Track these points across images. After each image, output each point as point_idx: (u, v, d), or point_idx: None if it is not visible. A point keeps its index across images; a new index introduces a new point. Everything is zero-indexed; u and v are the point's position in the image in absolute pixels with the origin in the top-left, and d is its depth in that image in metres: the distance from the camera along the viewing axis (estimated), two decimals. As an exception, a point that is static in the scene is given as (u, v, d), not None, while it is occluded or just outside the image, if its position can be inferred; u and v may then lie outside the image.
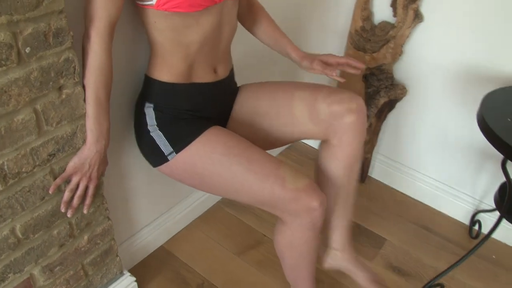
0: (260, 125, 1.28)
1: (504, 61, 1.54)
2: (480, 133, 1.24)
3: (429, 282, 1.56)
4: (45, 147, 0.98)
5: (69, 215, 1.09)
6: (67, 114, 0.98)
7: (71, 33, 0.91)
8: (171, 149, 1.12)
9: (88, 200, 1.11)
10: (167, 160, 1.14)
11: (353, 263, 1.41)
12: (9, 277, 1.06)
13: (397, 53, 1.73)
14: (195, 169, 1.12)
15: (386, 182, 2.07)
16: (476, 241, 1.64)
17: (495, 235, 1.82)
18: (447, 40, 1.64)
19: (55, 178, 1.03)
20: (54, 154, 1.00)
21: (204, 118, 1.19)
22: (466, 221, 1.88)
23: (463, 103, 1.69)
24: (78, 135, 1.03)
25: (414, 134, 1.89)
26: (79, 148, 1.04)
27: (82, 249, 1.22)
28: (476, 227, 1.83)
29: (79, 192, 1.07)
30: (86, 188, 1.09)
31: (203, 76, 1.18)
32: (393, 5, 1.67)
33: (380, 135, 1.96)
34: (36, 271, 1.12)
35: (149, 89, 1.17)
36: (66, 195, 1.06)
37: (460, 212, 1.89)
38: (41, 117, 0.94)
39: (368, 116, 1.81)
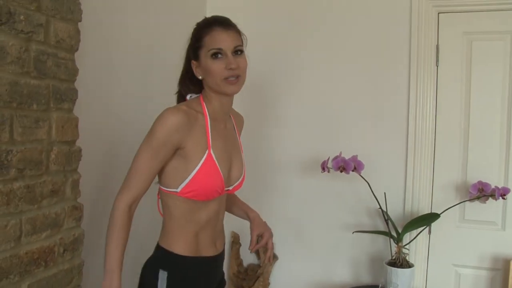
0: None
1: (333, 274, 2.34)
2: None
3: None
4: None
5: None
6: None
7: None
8: None
9: None
10: None
11: None
12: None
13: (266, 285, 2.39)
14: None
15: None
16: None
17: None
18: (296, 269, 2.39)
19: None
20: None
21: None
22: None
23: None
24: None
25: None
26: None
27: None
28: None
29: None
30: None
31: (207, 249, 1.44)
32: (256, 251, 2.40)
33: None
34: None
35: (164, 259, 1.39)
36: None
37: None
38: None
39: None
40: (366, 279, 2.31)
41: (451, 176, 2.21)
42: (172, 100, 1.51)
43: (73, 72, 1.27)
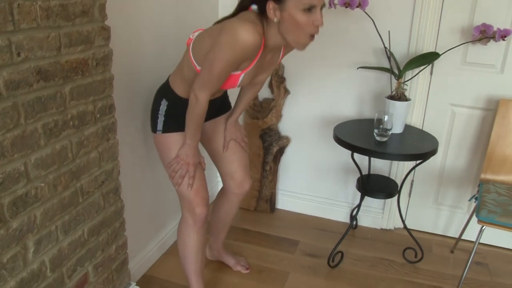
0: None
1: (339, 109, 2.58)
2: (340, 156, 2.17)
3: (331, 253, 2.36)
4: (101, 176, 1.64)
5: (177, 187, 1.79)
6: (110, 155, 1.67)
7: (115, 106, 1.64)
8: (161, 129, 1.77)
9: (190, 180, 1.75)
10: (155, 132, 1.78)
11: (224, 255, 2.31)
12: (78, 269, 1.62)
13: (279, 116, 2.68)
14: (162, 148, 1.79)
15: (288, 209, 2.91)
16: (356, 229, 2.52)
17: (368, 223, 2.73)
18: (305, 103, 2.64)
19: (103, 199, 1.67)
20: (104, 181, 1.66)
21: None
22: (348, 220, 2.78)
23: (324, 139, 2.66)
24: (114, 170, 1.71)
25: (300, 168, 2.81)
26: (116, 179, 1.71)
27: (112, 256, 1.80)
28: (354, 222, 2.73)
29: (182, 173, 1.74)
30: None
31: None
32: (270, 86, 2.65)
33: (278, 174, 2.83)
34: (90, 268, 1.68)
35: (169, 93, 1.75)
36: (175, 176, 1.77)
37: (342, 215, 2.79)
38: (100, 156, 1.62)
39: (267, 162, 2.69)
40: (369, 113, 2.56)
41: (459, 18, 2.28)
42: None
43: None
